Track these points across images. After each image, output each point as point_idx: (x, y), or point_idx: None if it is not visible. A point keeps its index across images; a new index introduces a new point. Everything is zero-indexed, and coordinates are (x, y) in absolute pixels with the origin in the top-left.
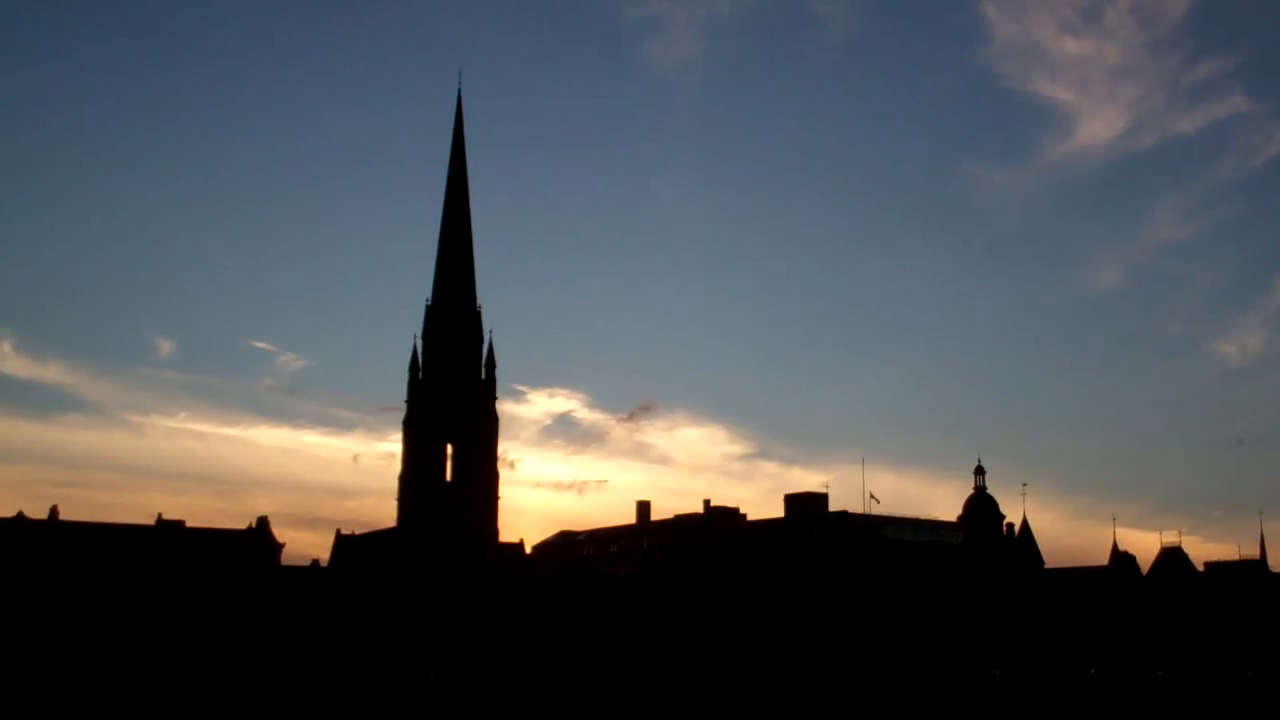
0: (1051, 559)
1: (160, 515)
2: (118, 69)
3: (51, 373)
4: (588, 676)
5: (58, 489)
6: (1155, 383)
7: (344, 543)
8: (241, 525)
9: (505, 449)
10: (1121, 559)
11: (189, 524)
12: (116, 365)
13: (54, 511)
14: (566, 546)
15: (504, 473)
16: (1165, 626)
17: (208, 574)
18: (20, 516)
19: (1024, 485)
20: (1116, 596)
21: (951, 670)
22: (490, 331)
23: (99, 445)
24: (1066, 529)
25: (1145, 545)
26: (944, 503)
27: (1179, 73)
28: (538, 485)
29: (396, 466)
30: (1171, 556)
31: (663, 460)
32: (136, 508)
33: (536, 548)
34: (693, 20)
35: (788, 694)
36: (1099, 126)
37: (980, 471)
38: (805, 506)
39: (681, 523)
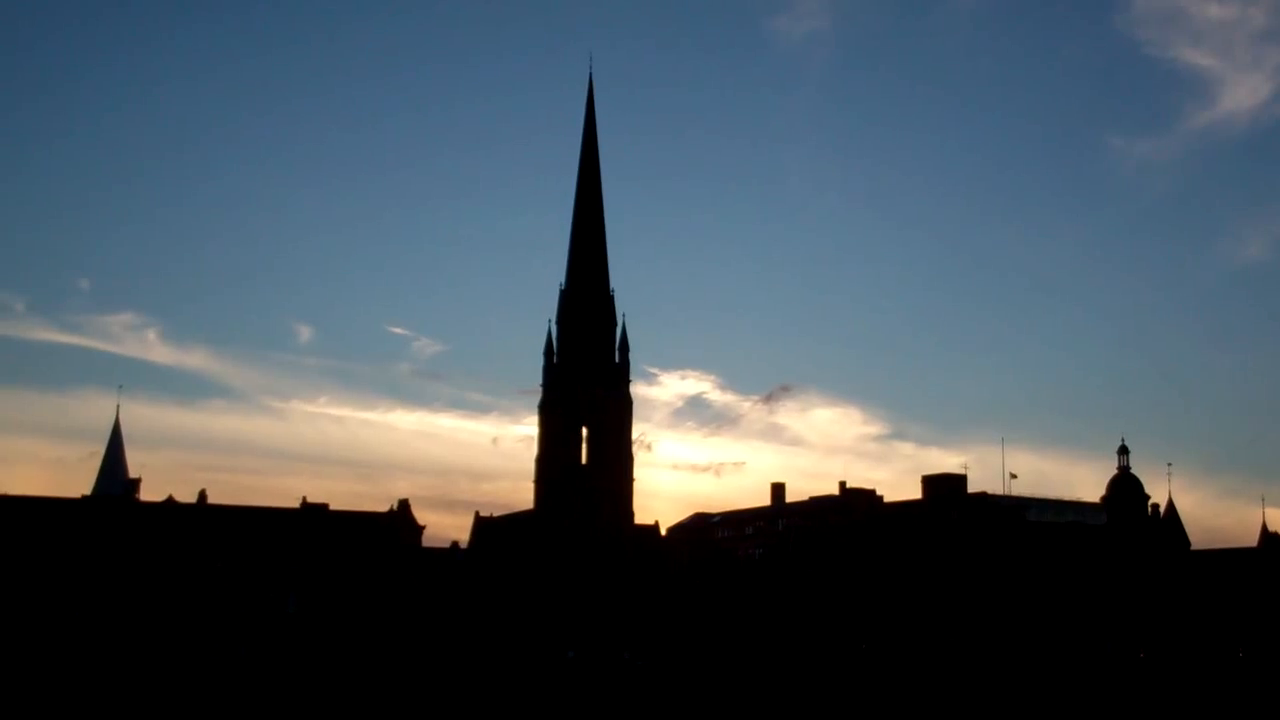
0: (1198, 540)
1: (304, 498)
2: (249, 70)
3: (196, 360)
4: (723, 657)
5: (205, 473)
6: None
7: (483, 525)
8: (381, 508)
9: (640, 431)
10: (1271, 540)
11: (332, 507)
12: (258, 352)
13: (202, 495)
14: (701, 528)
15: (639, 455)
16: None
17: (353, 555)
18: (170, 500)
19: (1169, 465)
20: (1267, 578)
21: (1096, 653)
22: (623, 315)
23: (243, 430)
24: (1214, 509)
25: None
26: (1086, 483)
27: None
28: (674, 467)
29: (533, 449)
30: None
31: (797, 442)
32: (281, 491)
33: (671, 530)
34: None
35: (928, 677)
36: (1243, 93)
37: (1124, 451)
38: (944, 488)
39: (817, 504)
